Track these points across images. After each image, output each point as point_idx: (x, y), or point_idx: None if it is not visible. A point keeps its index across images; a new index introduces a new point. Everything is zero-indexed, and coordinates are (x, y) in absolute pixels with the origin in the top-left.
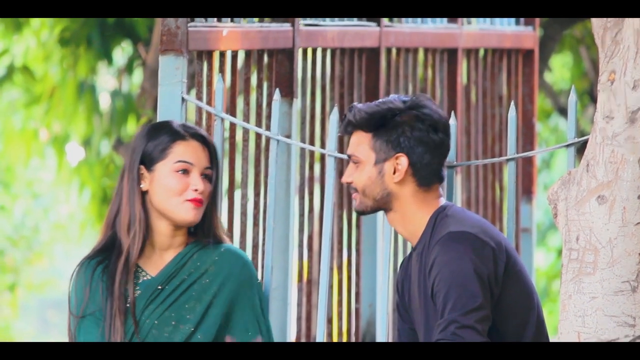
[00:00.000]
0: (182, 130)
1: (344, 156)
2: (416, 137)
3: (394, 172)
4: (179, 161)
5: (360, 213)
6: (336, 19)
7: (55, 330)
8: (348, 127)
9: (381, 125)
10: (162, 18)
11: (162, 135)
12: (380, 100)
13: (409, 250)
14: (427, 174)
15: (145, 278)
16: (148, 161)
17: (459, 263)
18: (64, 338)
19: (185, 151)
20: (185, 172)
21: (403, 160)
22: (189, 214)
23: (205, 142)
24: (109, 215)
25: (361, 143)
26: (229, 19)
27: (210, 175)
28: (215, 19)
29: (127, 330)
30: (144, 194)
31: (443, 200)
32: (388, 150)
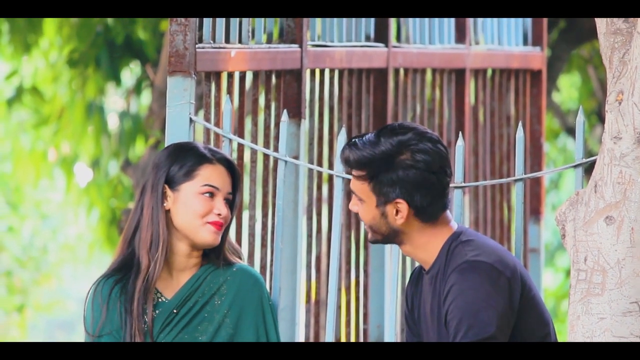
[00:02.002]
0: (210, 154)
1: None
2: (412, 182)
3: (396, 214)
4: (207, 185)
5: (373, 243)
6: (344, 39)
7: None
8: (346, 165)
9: (377, 172)
10: (170, 38)
11: (189, 156)
12: (375, 137)
13: None
14: (430, 211)
15: (160, 300)
16: (173, 181)
17: (474, 293)
18: None
19: (211, 175)
20: (211, 195)
21: (403, 206)
22: (210, 237)
23: (231, 168)
24: (126, 232)
25: (361, 185)
26: (237, 39)
27: (231, 200)
28: (223, 40)
29: None
30: (166, 213)
31: (455, 225)
32: (387, 195)
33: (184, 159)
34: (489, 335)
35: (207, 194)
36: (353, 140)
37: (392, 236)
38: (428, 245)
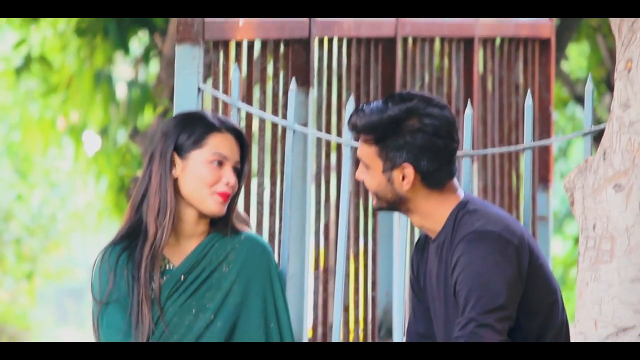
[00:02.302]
0: (219, 123)
1: None
2: (419, 146)
3: (403, 180)
4: (216, 153)
5: (378, 210)
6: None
7: (73, 318)
8: (354, 131)
9: (384, 136)
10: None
11: (198, 125)
12: (383, 103)
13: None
14: (437, 178)
15: (168, 267)
16: (181, 149)
17: (482, 263)
18: (82, 327)
19: (220, 143)
20: (220, 164)
21: (409, 170)
22: (216, 207)
23: (240, 137)
24: (134, 199)
25: (367, 151)
26: None
27: (239, 169)
28: None
29: (153, 317)
30: (174, 181)
31: (462, 193)
32: (394, 160)
33: (193, 127)
34: (499, 306)
35: (216, 163)
36: (361, 106)
37: (397, 203)
38: (434, 214)
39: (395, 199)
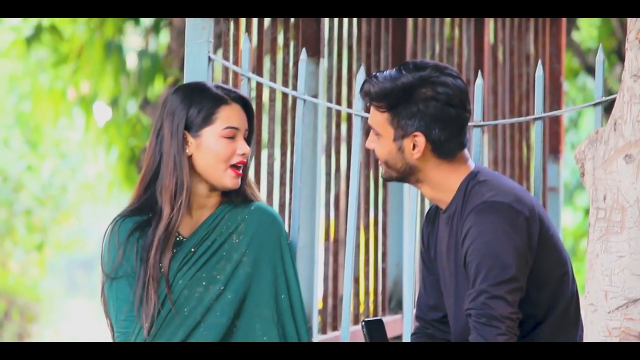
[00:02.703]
0: (224, 94)
1: None
2: (432, 115)
3: (413, 149)
4: (228, 127)
5: (387, 180)
6: None
7: (83, 289)
8: (366, 98)
9: (397, 103)
10: None
11: (204, 99)
12: (396, 71)
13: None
14: (447, 148)
15: (178, 239)
16: (192, 127)
17: (493, 234)
18: (92, 297)
19: (230, 116)
20: (232, 137)
21: (420, 139)
22: (231, 182)
23: (246, 105)
24: (144, 176)
25: (379, 118)
26: None
27: (248, 137)
28: None
29: (160, 294)
30: (188, 159)
31: (472, 164)
32: (405, 128)
33: (200, 102)
34: (510, 277)
35: (229, 137)
36: (373, 74)
37: (407, 173)
38: (444, 184)
39: (405, 168)
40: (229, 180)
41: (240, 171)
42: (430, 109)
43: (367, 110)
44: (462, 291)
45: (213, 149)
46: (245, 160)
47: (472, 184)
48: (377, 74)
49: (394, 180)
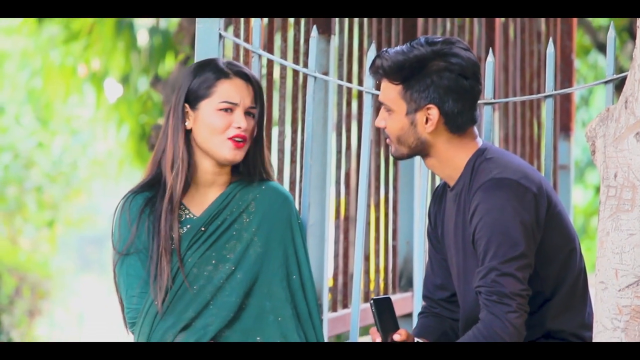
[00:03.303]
0: (227, 68)
1: None
2: (445, 87)
3: (426, 122)
4: (223, 101)
5: (397, 158)
6: None
7: (95, 265)
8: (377, 74)
9: (410, 76)
10: None
11: (206, 73)
12: (408, 45)
13: None
14: (460, 121)
15: (188, 217)
16: (192, 99)
17: (501, 211)
18: (103, 274)
19: (229, 90)
20: (229, 110)
21: (434, 112)
22: (230, 153)
23: (250, 80)
24: (155, 153)
25: (391, 92)
26: None
27: (254, 113)
28: None
29: (172, 268)
30: (188, 132)
31: (480, 141)
32: (419, 101)
33: (202, 75)
34: (519, 254)
35: (225, 110)
36: (383, 50)
37: (418, 148)
38: (454, 159)
39: (417, 143)
40: (228, 152)
41: (241, 143)
42: (444, 81)
43: (378, 88)
44: (470, 269)
45: (208, 121)
46: (243, 134)
47: (480, 161)
48: (388, 49)
49: (405, 158)
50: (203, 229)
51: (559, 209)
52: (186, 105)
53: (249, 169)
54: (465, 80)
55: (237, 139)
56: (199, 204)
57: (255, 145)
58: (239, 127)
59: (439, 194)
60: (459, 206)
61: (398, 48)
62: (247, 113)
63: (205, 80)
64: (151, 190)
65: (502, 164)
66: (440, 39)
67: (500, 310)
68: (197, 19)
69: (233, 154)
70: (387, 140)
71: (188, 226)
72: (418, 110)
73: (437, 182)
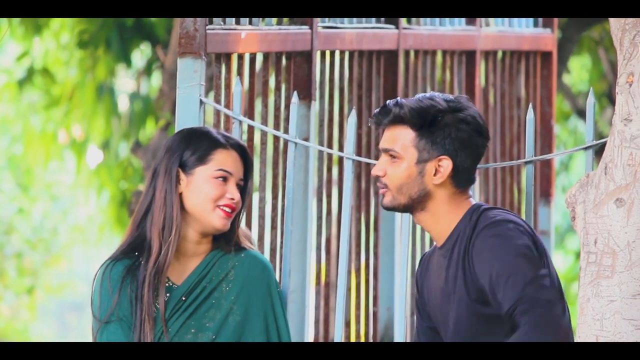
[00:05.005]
0: (223, 139)
1: (362, 159)
2: (461, 140)
3: (435, 174)
4: (220, 169)
5: (389, 209)
6: (354, 21)
7: (75, 332)
8: (388, 120)
9: (428, 124)
10: (180, 19)
11: (203, 140)
12: (422, 96)
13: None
14: (466, 177)
15: (168, 284)
16: (186, 165)
17: (503, 252)
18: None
19: (226, 160)
20: (224, 179)
21: (446, 163)
22: (220, 222)
23: (244, 154)
24: (136, 215)
25: (403, 139)
26: (247, 21)
27: (243, 186)
28: (234, 22)
29: (155, 335)
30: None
31: (473, 200)
32: (432, 151)
33: (198, 143)
34: (540, 274)
35: (220, 179)
36: (393, 100)
37: (418, 200)
38: (449, 215)
39: (420, 194)
40: (218, 220)
41: (231, 213)
42: (461, 134)
43: (359, 154)
44: (465, 317)
45: (203, 188)
46: (234, 205)
47: (477, 213)
48: (399, 99)
49: (398, 210)
50: (184, 298)
51: (551, 268)
52: (179, 169)
53: (226, 239)
54: (479, 137)
55: (227, 208)
56: (180, 272)
57: (237, 216)
58: (232, 199)
59: (426, 259)
60: (451, 258)
61: (415, 97)
62: (237, 185)
63: (202, 147)
64: (131, 256)
65: (502, 212)
66: (451, 96)
67: (554, 315)
68: (177, 85)
69: (223, 223)
70: (382, 190)
71: (168, 294)
72: (429, 160)
73: (418, 248)
